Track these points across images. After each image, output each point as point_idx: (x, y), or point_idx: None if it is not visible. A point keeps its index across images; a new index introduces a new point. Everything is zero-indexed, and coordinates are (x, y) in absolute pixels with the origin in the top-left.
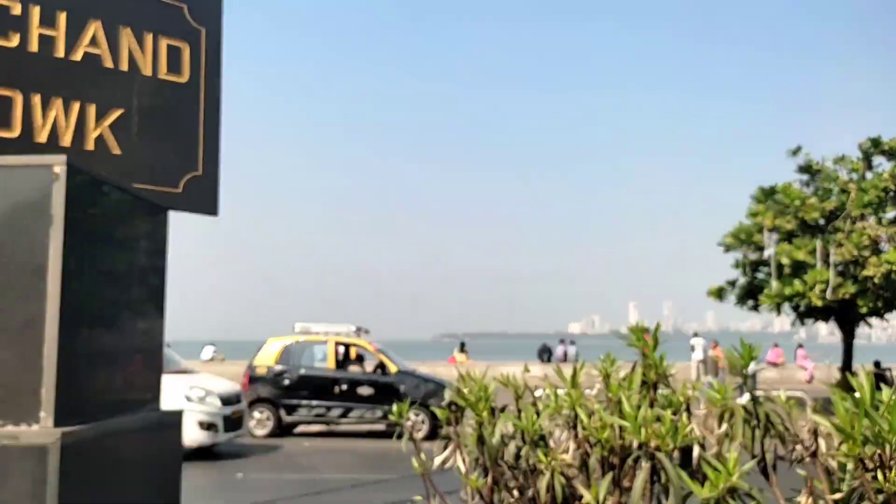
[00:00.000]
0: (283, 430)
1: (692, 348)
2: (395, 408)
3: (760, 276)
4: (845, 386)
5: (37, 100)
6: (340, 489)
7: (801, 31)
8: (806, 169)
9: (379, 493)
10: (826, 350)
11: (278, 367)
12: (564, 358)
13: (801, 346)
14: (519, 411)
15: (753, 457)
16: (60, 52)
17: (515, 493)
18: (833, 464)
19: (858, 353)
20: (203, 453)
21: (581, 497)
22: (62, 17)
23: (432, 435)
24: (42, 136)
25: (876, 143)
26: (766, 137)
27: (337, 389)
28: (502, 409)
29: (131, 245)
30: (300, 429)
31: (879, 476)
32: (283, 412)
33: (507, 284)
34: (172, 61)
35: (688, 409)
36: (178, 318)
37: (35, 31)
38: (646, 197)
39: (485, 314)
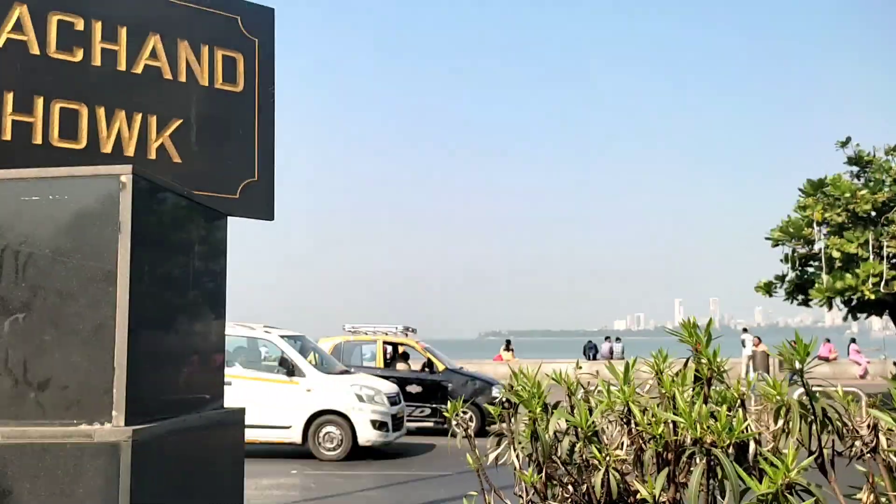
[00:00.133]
0: None
1: (743, 344)
2: (448, 405)
3: (810, 270)
4: None
5: (101, 112)
6: (392, 485)
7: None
8: (856, 160)
9: (431, 489)
10: (880, 345)
11: None
12: (610, 355)
13: (853, 340)
14: (572, 407)
15: (811, 453)
16: (122, 66)
17: (570, 488)
18: (895, 460)
19: None
20: (366, 452)
21: (636, 493)
22: (123, 32)
23: (481, 432)
24: (107, 147)
25: None
26: (816, 131)
27: None
28: (555, 406)
29: (193, 250)
30: None
31: None
32: None
33: (551, 282)
34: (228, 71)
35: (742, 405)
36: (231, 319)
37: (98, 45)
38: (691, 191)
39: (529, 312)
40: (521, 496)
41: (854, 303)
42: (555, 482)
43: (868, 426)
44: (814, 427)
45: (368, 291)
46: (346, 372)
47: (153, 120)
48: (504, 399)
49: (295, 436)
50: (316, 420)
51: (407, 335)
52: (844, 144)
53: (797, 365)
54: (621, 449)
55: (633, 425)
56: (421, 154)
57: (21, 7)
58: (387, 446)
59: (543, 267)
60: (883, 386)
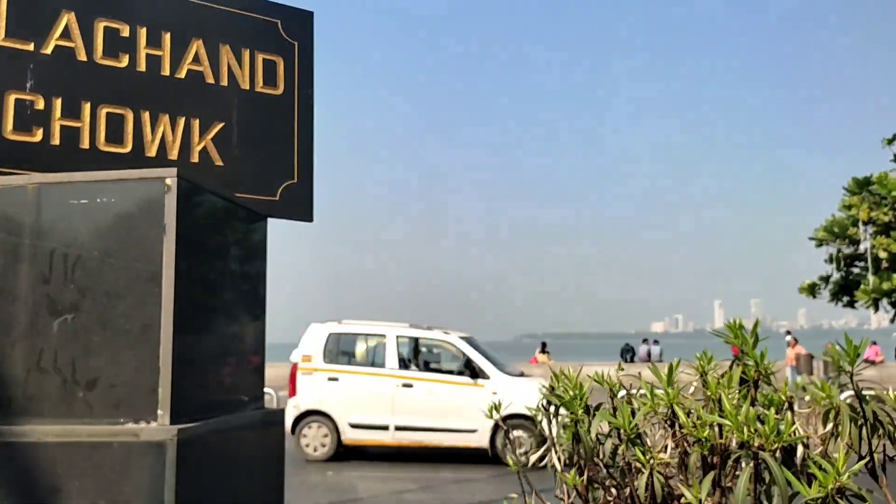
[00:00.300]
0: None
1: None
2: (488, 409)
3: (856, 270)
4: None
5: (146, 117)
6: (430, 486)
7: None
8: None
9: (469, 491)
10: None
11: None
12: (648, 357)
13: None
14: (614, 409)
15: (860, 457)
16: (166, 71)
17: (613, 491)
18: None
19: None
20: None
21: (680, 496)
22: (167, 38)
23: None
24: (152, 151)
25: None
26: (860, 128)
27: None
28: (597, 408)
29: (235, 251)
30: None
31: None
32: None
33: (587, 284)
34: (268, 75)
35: (790, 408)
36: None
37: (142, 51)
38: (731, 189)
39: (565, 314)
40: (562, 499)
41: None
42: (596, 485)
43: None
44: (864, 430)
45: (406, 291)
46: (522, 374)
47: (196, 123)
48: (545, 401)
49: (482, 440)
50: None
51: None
52: (891, 142)
53: (846, 367)
54: (665, 452)
55: (677, 428)
56: (451, 153)
57: (69, 14)
58: None
59: (580, 269)
60: None
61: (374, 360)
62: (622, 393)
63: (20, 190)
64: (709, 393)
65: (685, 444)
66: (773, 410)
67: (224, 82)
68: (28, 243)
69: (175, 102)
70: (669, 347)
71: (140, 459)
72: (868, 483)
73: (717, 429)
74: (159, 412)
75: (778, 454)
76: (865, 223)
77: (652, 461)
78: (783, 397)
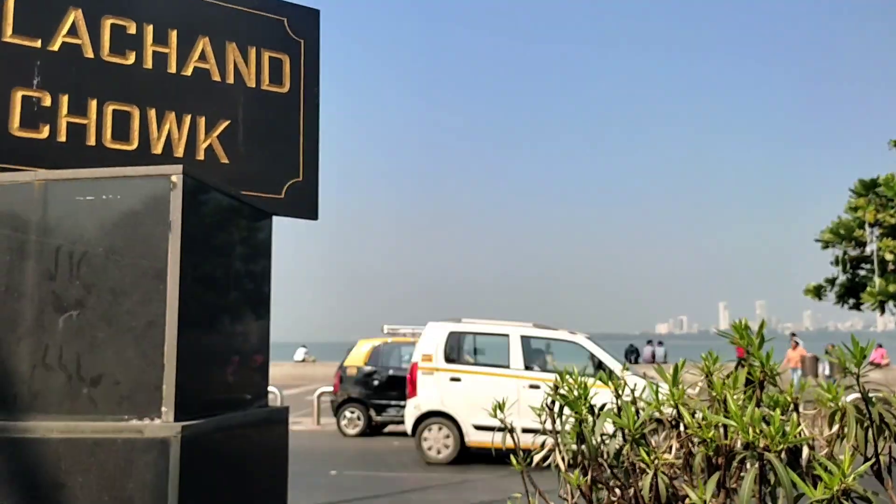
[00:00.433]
0: (373, 429)
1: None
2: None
3: (862, 272)
4: None
5: (152, 114)
6: (432, 487)
7: None
8: None
9: (471, 492)
10: None
11: (368, 368)
12: (652, 359)
13: None
14: (619, 409)
15: (866, 459)
16: (173, 69)
17: (617, 491)
18: None
19: None
20: None
21: (685, 497)
22: (173, 35)
23: None
24: (157, 148)
25: None
26: (867, 128)
27: None
28: (601, 408)
29: (240, 249)
30: (389, 428)
31: None
32: (372, 412)
33: (591, 284)
34: (274, 73)
35: (796, 409)
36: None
37: (149, 48)
38: (736, 191)
39: (568, 315)
40: (566, 499)
41: None
42: (600, 485)
43: None
44: (870, 432)
45: (408, 291)
46: (645, 375)
47: (202, 121)
48: (549, 400)
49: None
50: None
51: None
52: None
53: (853, 369)
54: (670, 453)
55: (682, 428)
56: (462, 155)
57: (76, 11)
58: None
59: (583, 269)
60: None
61: (498, 360)
62: (627, 393)
63: (26, 186)
64: (714, 394)
65: (690, 445)
66: (778, 411)
67: (230, 80)
68: (34, 240)
69: (181, 100)
70: (674, 349)
71: (144, 456)
72: (874, 485)
73: (722, 429)
74: (163, 409)
75: (783, 455)
76: (872, 225)
77: (656, 462)
78: (788, 398)
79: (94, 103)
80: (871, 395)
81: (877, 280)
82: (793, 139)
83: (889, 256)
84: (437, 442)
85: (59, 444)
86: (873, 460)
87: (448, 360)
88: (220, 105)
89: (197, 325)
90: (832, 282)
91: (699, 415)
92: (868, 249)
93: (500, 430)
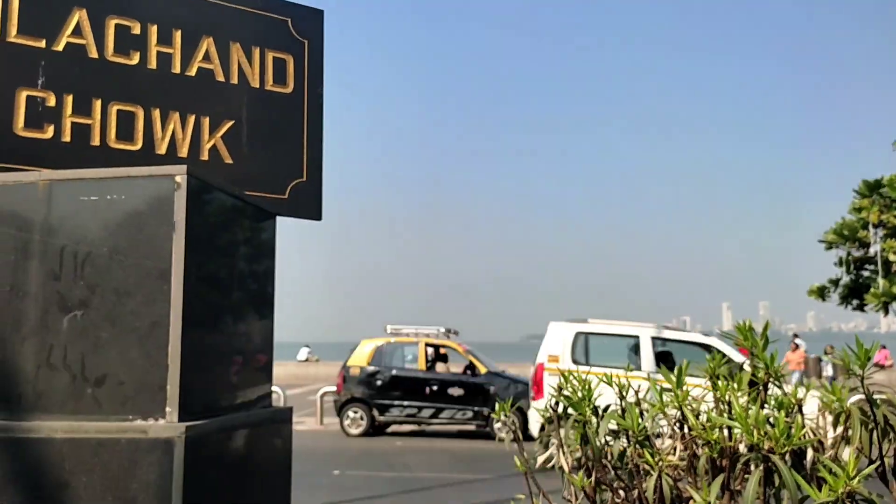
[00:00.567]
0: (376, 429)
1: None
2: (495, 408)
3: (866, 273)
4: None
5: (156, 114)
6: (435, 487)
7: None
8: None
9: (474, 493)
10: None
11: (371, 368)
12: None
13: None
14: (623, 411)
15: (871, 461)
16: (177, 69)
17: (621, 493)
18: None
19: None
20: None
21: (689, 499)
22: (178, 35)
23: (523, 436)
24: (161, 149)
25: None
26: (868, 130)
27: (428, 390)
28: (605, 409)
29: (244, 249)
30: (392, 428)
31: None
32: (375, 412)
33: (592, 285)
34: (278, 73)
35: (800, 411)
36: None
37: (153, 49)
38: (738, 190)
39: (570, 315)
40: (570, 500)
41: None
42: (604, 487)
43: None
44: (874, 434)
45: (410, 293)
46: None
47: (206, 121)
48: (553, 402)
49: None
50: None
51: (449, 337)
52: None
53: (857, 371)
54: (674, 454)
55: (686, 430)
56: (465, 155)
57: (80, 11)
58: None
59: (586, 270)
60: None
61: (623, 361)
62: (630, 394)
63: (31, 186)
64: (718, 395)
65: (694, 447)
66: (782, 413)
67: (234, 80)
68: (38, 240)
69: (185, 100)
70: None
71: (148, 456)
72: (878, 488)
73: (726, 431)
74: (168, 409)
75: (787, 457)
76: (876, 226)
77: (661, 463)
78: (793, 400)
79: (98, 103)
80: (875, 396)
81: (881, 281)
82: (796, 139)
83: (893, 257)
84: None
85: (63, 444)
86: (878, 462)
87: (576, 360)
88: (224, 105)
89: (201, 325)
90: (836, 283)
91: (703, 416)
92: (872, 250)
93: None
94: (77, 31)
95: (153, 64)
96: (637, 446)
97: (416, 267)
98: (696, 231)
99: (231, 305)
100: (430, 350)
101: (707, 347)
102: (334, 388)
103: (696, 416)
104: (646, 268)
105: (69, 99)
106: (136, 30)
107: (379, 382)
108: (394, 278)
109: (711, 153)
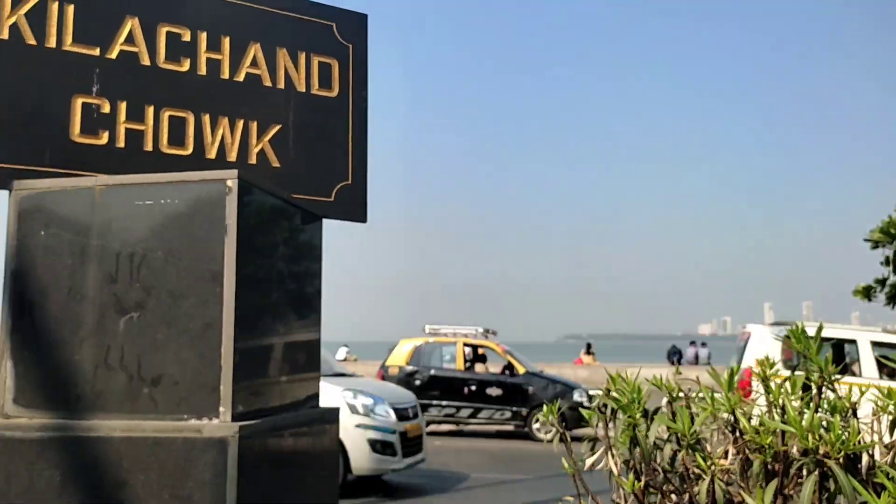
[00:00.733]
0: None
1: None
2: (545, 408)
3: None
4: None
5: (206, 119)
6: (475, 487)
7: None
8: None
9: (514, 493)
10: None
11: (409, 368)
12: (696, 360)
13: None
14: (673, 414)
15: None
16: (226, 75)
17: (673, 497)
18: None
19: None
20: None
21: (741, 503)
22: (226, 42)
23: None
24: (212, 153)
25: None
26: None
27: (466, 390)
28: (654, 412)
29: (292, 251)
30: (430, 428)
31: None
32: None
33: (631, 285)
34: (323, 77)
35: (854, 414)
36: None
37: (203, 55)
38: (783, 188)
39: (610, 315)
40: (618, 503)
41: None
42: (653, 490)
43: None
44: None
45: (449, 293)
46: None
47: (254, 126)
48: (601, 403)
49: None
50: None
51: (487, 337)
52: None
53: None
54: (726, 458)
55: (738, 434)
56: (506, 160)
57: (133, 20)
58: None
59: (625, 269)
60: None
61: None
62: (686, 397)
63: (87, 191)
64: (771, 399)
65: (746, 451)
66: (837, 417)
67: (281, 85)
68: (95, 244)
69: (234, 105)
70: (718, 350)
71: (203, 455)
72: None
73: (780, 436)
74: (221, 409)
75: (842, 462)
76: None
77: (713, 468)
78: (847, 404)
79: (150, 109)
80: None
81: None
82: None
83: None
84: None
85: (120, 442)
86: None
87: (785, 366)
88: (271, 110)
89: (252, 326)
90: (882, 282)
91: (756, 420)
92: None
93: None
94: (130, 39)
95: (203, 70)
96: (688, 450)
97: (455, 268)
98: (738, 228)
99: (280, 306)
100: (469, 350)
101: None
102: None
103: (749, 420)
104: (685, 267)
105: (123, 105)
106: (187, 37)
107: (417, 382)
108: (434, 279)
109: (760, 146)
